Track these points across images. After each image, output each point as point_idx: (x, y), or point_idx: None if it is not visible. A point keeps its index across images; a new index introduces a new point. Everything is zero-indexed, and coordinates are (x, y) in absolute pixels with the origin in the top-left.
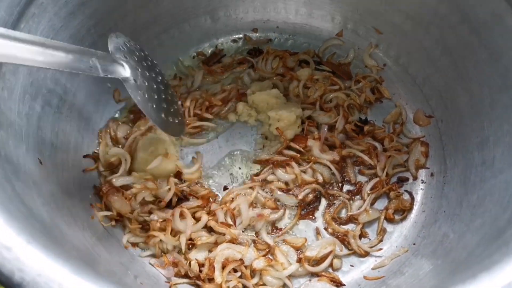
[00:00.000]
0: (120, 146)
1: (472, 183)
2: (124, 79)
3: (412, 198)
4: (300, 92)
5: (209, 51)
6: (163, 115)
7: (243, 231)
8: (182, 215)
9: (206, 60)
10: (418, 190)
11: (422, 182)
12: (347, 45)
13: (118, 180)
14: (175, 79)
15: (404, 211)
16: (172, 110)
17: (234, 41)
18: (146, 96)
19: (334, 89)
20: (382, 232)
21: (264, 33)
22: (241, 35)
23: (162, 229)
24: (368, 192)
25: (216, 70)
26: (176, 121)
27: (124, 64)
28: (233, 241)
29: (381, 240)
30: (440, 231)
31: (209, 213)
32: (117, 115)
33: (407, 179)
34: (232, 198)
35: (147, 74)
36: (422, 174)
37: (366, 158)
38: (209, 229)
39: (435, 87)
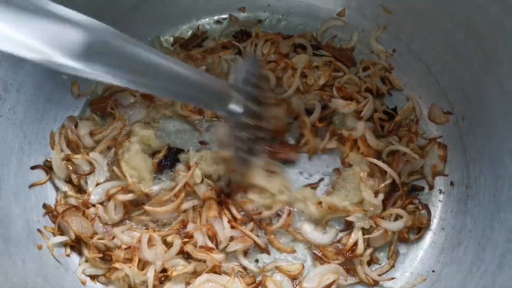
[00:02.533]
0: (85, 150)
1: (506, 199)
2: (231, 115)
3: (429, 213)
4: (299, 83)
5: (188, 34)
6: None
7: (227, 254)
8: (151, 242)
9: (185, 43)
10: (435, 202)
11: (440, 193)
12: (350, 26)
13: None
14: None
15: (420, 229)
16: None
17: (218, 22)
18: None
19: (339, 76)
20: (394, 255)
21: (253, 13)
22: (226, 15)
23: (129, 259)
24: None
25: (196, 55)
26: (253, 161)
27: (240, 97)
28: (216, 269)
29: (393, 266)
30: (466, 257)
31: (186, 236)
32: (75, 113)
33: (422, 189)
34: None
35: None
36: (440, 182)
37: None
38: (186, 255)
39: (455, 77)
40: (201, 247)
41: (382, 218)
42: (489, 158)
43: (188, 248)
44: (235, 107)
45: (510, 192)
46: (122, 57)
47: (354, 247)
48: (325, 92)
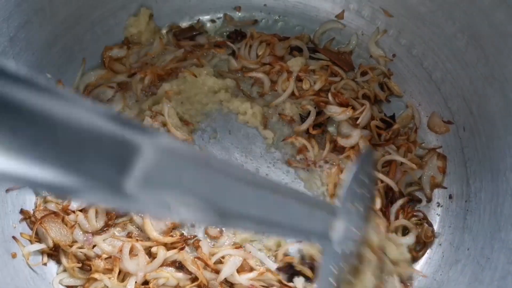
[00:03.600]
0: None
1: (507, 216)
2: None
3: (431, 225)
4: (294, 87)
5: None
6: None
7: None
8: (133, 251)
9: (178, 32)
10: (433, 215)
11: (438, 206)
12: (348, 29)
13: None
14: (121, 47)
15: (425, 244)
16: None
17: (212, 21)
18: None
19: (335, 81)
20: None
21: (248, 12)
22: (220, 14)
23: (109, 270)
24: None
25: (186, 47)
26: None
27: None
28: (201, 286)
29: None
30: (464, 276)
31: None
32: None
33: (420, 201)
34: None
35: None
36: (438, 195)
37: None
38: (179, 265)
39: (457, 86)
40: (198, 258)
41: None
42: (491, 172)
43: (180, 257)
44: (336, 235)
45: None
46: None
47: None
48: (320, 97)
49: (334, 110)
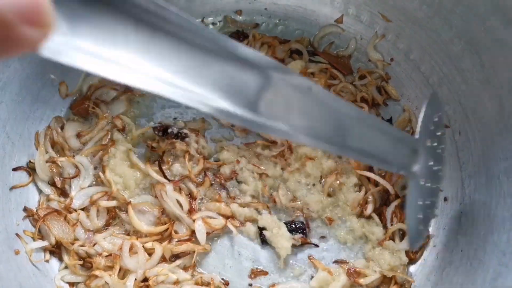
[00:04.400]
0: (72, 153)
1: (500, 219)
2: (412, 177)
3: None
4: None
5: None
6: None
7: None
8: (132, 249)
9: None
10: None
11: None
12: (347, 33)
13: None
14: None
15: (422, 246)
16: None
17: (213, 24)
18: (426, 202)
19: (334, 84)
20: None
21: (249, 16)
22: (221, 18)
23: (109, 267)
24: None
25: None
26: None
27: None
28: (199, 281)
29: None
30: (457, 278)
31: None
32: (62, 114)
33: None
34: None
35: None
36: None
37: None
38: (174, 258)
39: (453, 90)
40: (179, 241)
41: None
42: (485, 176)
43: (170, 247)
44: (419, 169)
45: (505, 213)
46: (305, 110)
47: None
48: None
49: None
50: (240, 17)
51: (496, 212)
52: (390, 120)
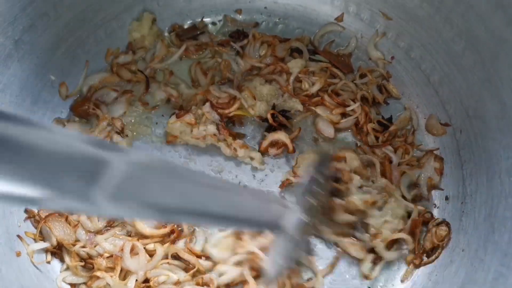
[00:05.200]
0: None
1: (501, 218)
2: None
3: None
4: (290, 88)
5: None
6: None
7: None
8: (133, 250)
9: (181, 32)
10: None
11: (435, 207)
12: (348, 32)
13: None
14: (127, 53)
15: (433, 249)
16: None
17: (213, 23)
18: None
19: (334, 82)
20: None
21: (249, 15)
22: (221, 17)
23: (111, 268)
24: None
25: (189, 47)
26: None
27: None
28: (199, 281)
29: None
30: (458, 277)
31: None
32: (63, 115)
33: (423, 199)
34: None
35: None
36: (435, 196)
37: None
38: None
39: (454, 89)
40: (191, 250)
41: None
42: (486, 175)
43: (176, 248)
44: (289, 223)
45: (506, 212)
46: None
47: None
48: (313, 98)
49: (322, 112)
50: (240, 16)
51: (497, 211)
52: (390, 119)
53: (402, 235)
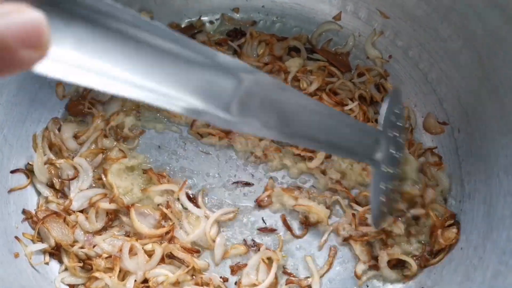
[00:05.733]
0: (69, 154)
1: (500, 216)
2: (374, 165)
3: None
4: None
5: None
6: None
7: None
8: (132, 251)
9: (178, 31)
10: None
11: None
12: (345, 30)
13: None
14: None
15: (440, 250)
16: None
17: (210, 22)
18: (388, 186)
19: (332, 81)
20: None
21: (246, 14)
22: (219, 16)
23: (109, 269)
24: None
25: None
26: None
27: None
28: (198, 281)
29: None
30: (456, 276)
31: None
32: (60, 115)
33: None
34: None
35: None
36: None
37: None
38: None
39: (452, 87)
40: (185, 248)
41: None
42: (485, 173)
43: (170, 247)
44: (381, 156)
45: (504, 211)
46: (275, 106)
47: None
48: (312, 97)
49: None
50: (237, 15)
51: (496, 210)
52: None
53: (409, 260)
